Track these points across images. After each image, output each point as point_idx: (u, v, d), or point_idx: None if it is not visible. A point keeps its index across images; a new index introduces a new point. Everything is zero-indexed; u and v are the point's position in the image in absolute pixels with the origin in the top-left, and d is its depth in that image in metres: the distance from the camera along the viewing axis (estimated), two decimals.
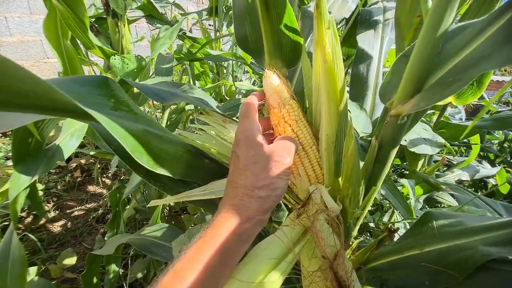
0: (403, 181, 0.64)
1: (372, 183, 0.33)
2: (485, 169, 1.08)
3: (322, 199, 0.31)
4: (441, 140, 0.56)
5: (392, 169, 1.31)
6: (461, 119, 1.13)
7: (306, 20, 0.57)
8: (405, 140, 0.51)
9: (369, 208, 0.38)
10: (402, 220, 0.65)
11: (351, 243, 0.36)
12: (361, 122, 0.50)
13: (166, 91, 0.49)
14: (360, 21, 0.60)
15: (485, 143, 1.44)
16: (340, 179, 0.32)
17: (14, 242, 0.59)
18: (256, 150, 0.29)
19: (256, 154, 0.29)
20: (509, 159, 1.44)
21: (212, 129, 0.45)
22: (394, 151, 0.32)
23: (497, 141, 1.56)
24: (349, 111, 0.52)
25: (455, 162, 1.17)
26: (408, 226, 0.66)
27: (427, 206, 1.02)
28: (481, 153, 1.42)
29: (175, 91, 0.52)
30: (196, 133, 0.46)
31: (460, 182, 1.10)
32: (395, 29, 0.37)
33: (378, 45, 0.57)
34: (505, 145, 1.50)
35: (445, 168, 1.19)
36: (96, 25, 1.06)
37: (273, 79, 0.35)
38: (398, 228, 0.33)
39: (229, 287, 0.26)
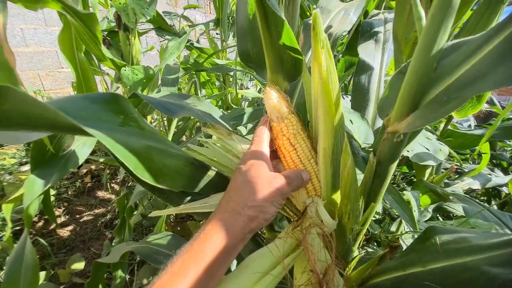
0: (407, 193, 0.62)
1: (372, 199, 0.33)
2: (497, 177, 1.04)
3: (317, 213, 0.31)
4: (445, 149, 0.55)
5: (401, 177, 1.28)
6: (469, 126, 1.10)
7: (307, 33, 0.58)
8: (408, 151, 0.50)
9: (369, 223, 0.38)
10: (410, 231, 0.63)
11: (351, 259, 0.35)
12: (363, 133, 0.50)
13: (174, 104, 0.50)
14: (361, 32, 0.61)
15: (498, 150, 1.39)
16: (338, 193, 0.32)
17: (27, 247, 0.61)
18: (258, 172, 0.30)
19: (258, 176, 0.30)
20: None
21: (218, 142, 0.47)
22: (394, 166, 0.32)
23: (510, 148, 1.51)
24: (351, 122, 0.52)
25: (466, 170, 1.14)
26: (416, 237, 0.64)
27: (438, 215, 0.99)
28: (493, 160, 1.37)
29: (182, 103, 0.53)
30: (201, 145, 0.48)
31: (471, 191, 1.06)
32: (393, 43, 0.38)
33: (379, 55, 0.58)
34: None
35: (456, 176, 1.15)
36: (109, 38, 1.11)
37: (272, 96, 0.36)
38: (400, 245, 0.32)
39: None
